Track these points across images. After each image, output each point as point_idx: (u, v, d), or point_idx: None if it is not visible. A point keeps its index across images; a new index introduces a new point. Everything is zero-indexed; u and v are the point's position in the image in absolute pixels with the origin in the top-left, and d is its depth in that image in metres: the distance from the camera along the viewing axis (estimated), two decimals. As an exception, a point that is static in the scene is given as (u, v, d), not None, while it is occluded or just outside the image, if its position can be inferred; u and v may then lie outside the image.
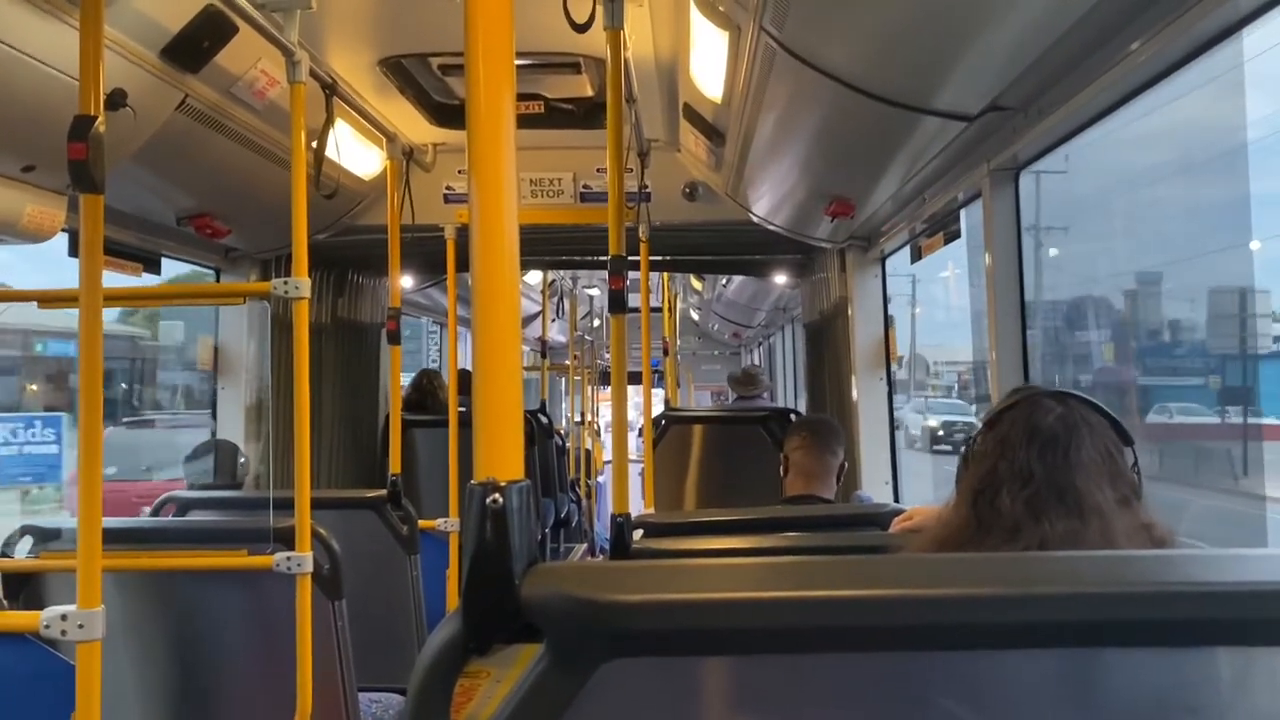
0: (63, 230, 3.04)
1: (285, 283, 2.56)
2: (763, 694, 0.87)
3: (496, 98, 0.88)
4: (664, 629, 0.80)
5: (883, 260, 4.80)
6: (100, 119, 1.98)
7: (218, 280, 4.77)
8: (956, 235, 3.71)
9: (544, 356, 8.49)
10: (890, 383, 4.85)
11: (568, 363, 10.37)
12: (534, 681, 0.81)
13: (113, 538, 2.19)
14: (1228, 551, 0.88)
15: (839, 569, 0.87)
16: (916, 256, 4.33)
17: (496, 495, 0.83)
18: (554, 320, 9.54)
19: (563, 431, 8.55)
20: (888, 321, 4.87)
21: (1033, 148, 2.80)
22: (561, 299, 9.99)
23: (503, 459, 0.86)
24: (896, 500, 4.61)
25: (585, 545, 8.40)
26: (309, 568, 2.59)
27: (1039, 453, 1.47)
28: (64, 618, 1.95)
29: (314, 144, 3.16)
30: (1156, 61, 2.11)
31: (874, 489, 4.58)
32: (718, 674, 0.88)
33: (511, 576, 0.82)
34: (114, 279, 3.98)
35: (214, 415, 4.85)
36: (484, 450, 0.86)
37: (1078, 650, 0.84)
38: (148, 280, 4.15)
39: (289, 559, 2.58)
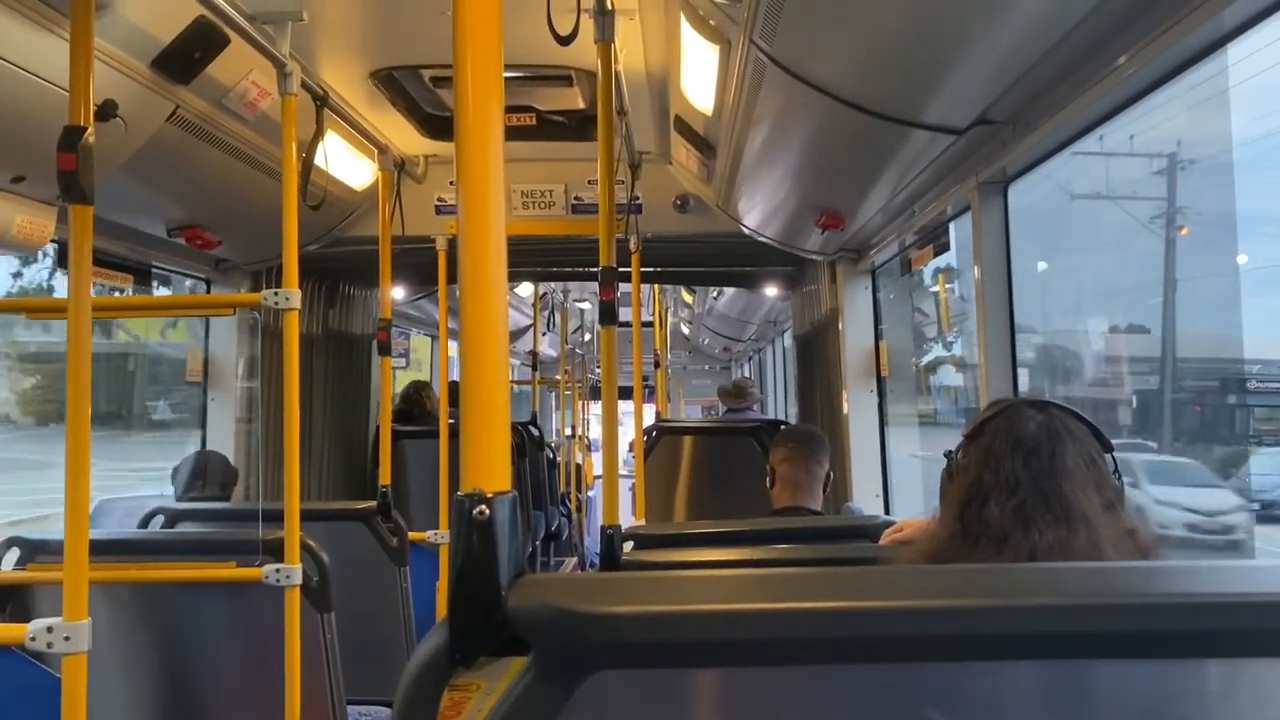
0: (52, 241, 3.03)
1: (275, 294, 2.56)
2: (751, 706, 0.87)
3: (485, 109, 0.89)
4: (651, 640, 0.80)
5: (873, 272, 4.81)
6: (90, 130, 1.98)
7: (208, 291, 4.77)
8: (946, 248, 3.73)
9: (535, 370, 8.48)
10: (882, 394, 4.85)
11: (558, 377, 10.37)
12: (521, 694, 0.81)
13: (100, 550, 2.18)
14: (1214, 563, 0.88)
15: (826, 580, 0.87)
16: (906, 269, 4.35)
17: (483, 507, 0.83)
18: (545, 334, 9.53)
19: (553, 445, 8.53)
20: (878, 333, 4.88)
21: (1021, 161, 2.81)
22: (553, 312, 9.98)
23: (490, 470, 0.86)
24: (887, 512, 4.61)
25: (575, 559, 8.37)
26: (298, 580, 2.58)
27: (1024, 461, 1.48)
28: (50, 630, 1.94)
29: (304, 155, 3.16)
30: (1143, 76, 2.12)
31: (865, 500, 4.57)
32: (706, 686, 0.88)
33: (498, 588, 0.82)
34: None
35: (204, 426, 4.84)
36: (471, 461, 0.86)
37: (1066, 662, 0.84)
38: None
39: (278, 571, 2.57)
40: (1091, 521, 1.43)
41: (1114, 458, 1.55)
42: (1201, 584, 0.85)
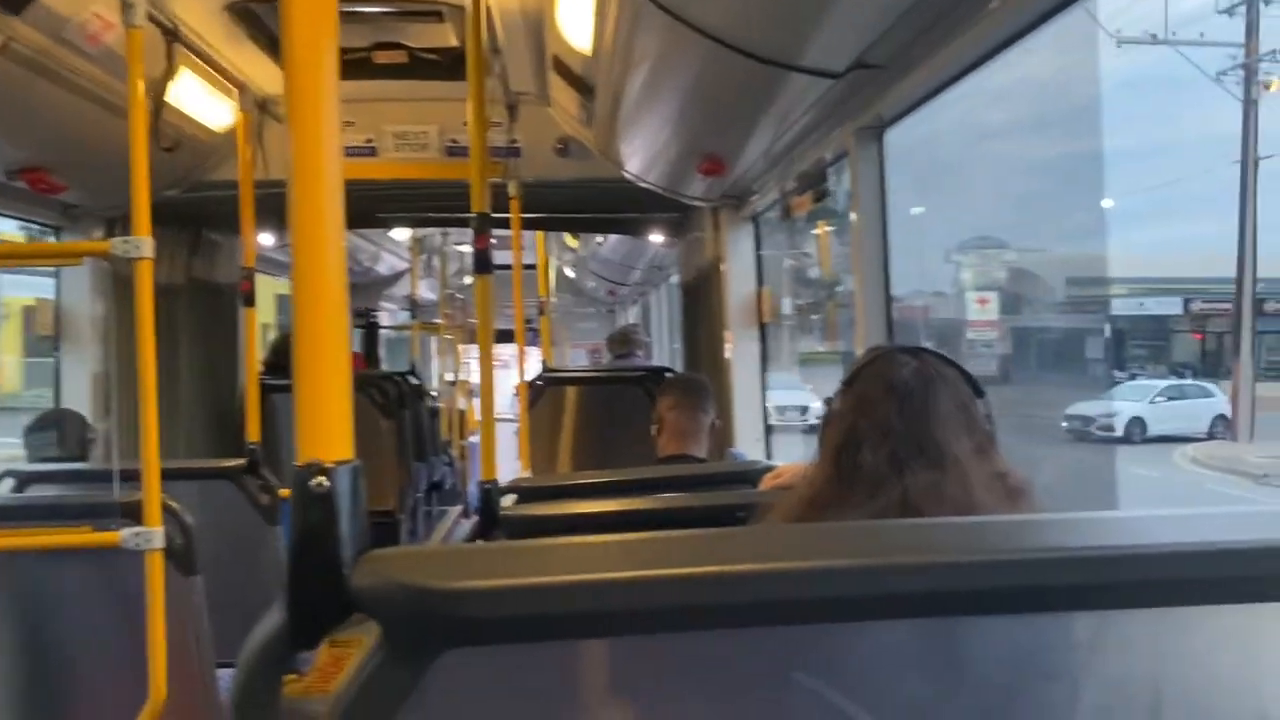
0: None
1: (126, 242, 2.40)
2: (615, 676, 0.83)
3: (314, 37, 0.80)
4: (504, 615, 0.75)
5: (755, 219, 4.81)
6: None
7: (58, 239, 4.49)
8: (825, 194, 3.73)
9: (414, 315, 8.31)
10: (764, 341, 4.89)
11: (438, 321, 10.18)
12: (370, 673, 0.76)
13: None
14: (1084, 515, 0.88)
15: (692, 545, 0.83)
16: (786, 215, 4.35)
17: (322, 478, 0.77)
18: (423, 278, 9.33)
19: (434, 393, 8.40)
20: (760, 279, 4.90)
21: (897, 106, 2.82)
22: (431, 256, 9.78)
23: (329, 438, 0.79)
24: (768, 457, 4.67)
25: (460, 508, 8.30)
26: (159, 543, 2.46)
27: (897, 407, 1.49)
28: None
29: (154, 93, 2.97)
30: (1016, 19, 2.13)
31: (746, 446, 4.62)
32: (566, 658, 0.84)
33: (339, 565, 0.76)
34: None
35: (57, 383, 4.59)
36: (307, 430, 0.79)
37: (936, 619, 0.83)
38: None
39: (137, 535, 2.44)
40: (963, 464, 1.45)
41: (986, 403, 1.57)
42: (1072, 537, 0.84)
